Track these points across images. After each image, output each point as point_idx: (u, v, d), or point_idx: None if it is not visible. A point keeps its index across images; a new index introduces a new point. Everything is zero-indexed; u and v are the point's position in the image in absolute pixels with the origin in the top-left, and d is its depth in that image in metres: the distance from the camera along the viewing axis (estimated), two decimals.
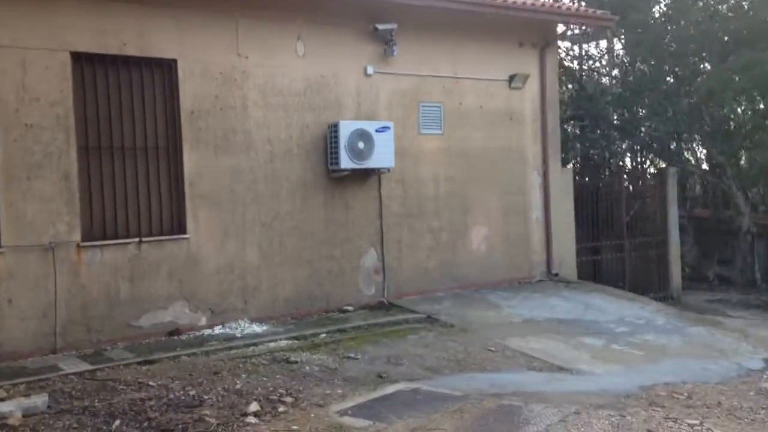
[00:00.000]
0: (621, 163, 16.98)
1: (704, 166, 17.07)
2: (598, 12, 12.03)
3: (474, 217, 10.89)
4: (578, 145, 17.09)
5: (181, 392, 5.94)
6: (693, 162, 17.18)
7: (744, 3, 15.01)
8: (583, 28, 14.33)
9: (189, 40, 8.40)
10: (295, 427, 5.09)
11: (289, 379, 6.43)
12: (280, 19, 9.05)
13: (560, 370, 7.29)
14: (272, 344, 7.70)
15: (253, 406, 5.51)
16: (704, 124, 15.29)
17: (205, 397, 5.81)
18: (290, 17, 9.11)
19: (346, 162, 9.16)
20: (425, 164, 10.37)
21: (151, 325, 8.07)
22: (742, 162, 15.78)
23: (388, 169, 9.69)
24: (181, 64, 8.37)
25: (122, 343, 7.79)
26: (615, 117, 16.56)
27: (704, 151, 16.74)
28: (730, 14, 15.04)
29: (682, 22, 15.01)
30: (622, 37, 16.51)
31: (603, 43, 17.68)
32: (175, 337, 8.03)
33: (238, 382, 6.26)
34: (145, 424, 5.20)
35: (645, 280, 13.40)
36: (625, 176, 14.93)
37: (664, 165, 15.97)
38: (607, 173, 15.47)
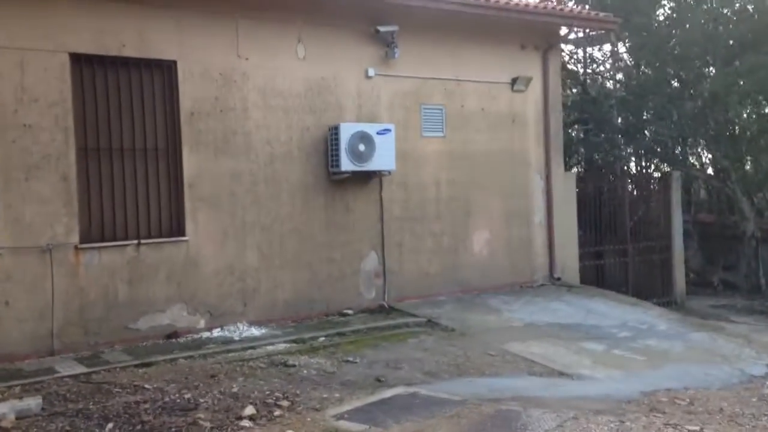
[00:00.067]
0: (625, 168, 16.90)
1: (709, 170, 16.98)
2: (601, 15, 11.97)
3: (476, 221, 10.83)
4: (582, 149, 17.03)
5: (177, 395, 5.90)
6: (698, 166, 17.08)
7: (749, 6, 14.92)
8: (587, 31, 14.28)
9: (189, 41, 8.37)
10: (290, 431, 5.04)
11: (286, 382, 6.38)
12: (281, 21, 9.01)
13: (560, 375, 7.21)
14: (270, 347, 7.64)
15: (249, 410, 5.46)
16: (709, 128, 15.19)
17: (201, 400, 5.76)
18: (291, 19, 9.08)
19: (346, 164, 9.11)
20: (427, 167, 10.32)
21: (149, 328, 8.03)
22: (747, 167, 15.67)
23: (389, 172, 9.64)
24: (181, 66, 8.33)
25: (120, 345, 7.75)
26: (619, 121, 16.48)
27: (709, 155, 16.65)
28: (734, 17, 14.95)
29: (687, 26, 14.91)
30: (626, 40, 16.44)
31: (607, 47, 17.60)
32: (173, 340, 7.98)
33: (234, 385, 6.22)
34: (139, 427, 5.16)
35: (648, 285, 13.33)
36: (629, 180, 14.87)
37: (668, 169, 15.88)
38: (611, 177, 15.39)
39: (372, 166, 9.30)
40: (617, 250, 13.33)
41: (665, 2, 15.94)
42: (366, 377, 6.67)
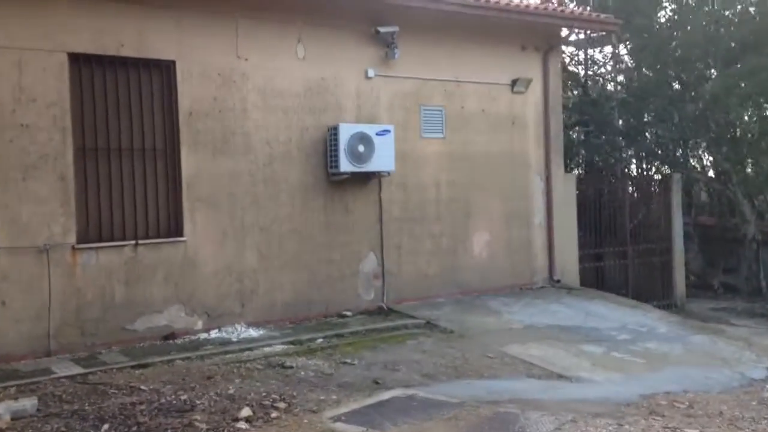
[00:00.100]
0: (625, 170, 16.86)
1: (710, 173, 16.94)
2: (602, 16, 11.92)
3: (475, 222, 10.79)
4: (582, 151, 16.98)
5: (173, 397, 5.87)
6: (698, 169, 17.03)
7: (750, 8, 14.90)
8: (588, 32, 14.24)
9: (188, 41, 8.34)
10: None
11: (284, 384, 6.35)
12: (281, 21, 8.99)
13: (559, 378, 7.18)
14: (268, 349, 7.61)
15: (245, 412, 5.43)
16: (710, 130, 15.15)
17: (197, 401, 5.73)
18: (290, 19, 9.05)
19: (345, 165, 9.08)
20: (426, 168, 10.29)
21: (146, 329, 7.99)
22: (748, 169, 15.63)
23: (389, 173, 9.60)
24: (180, 66, 8.31)
25: (117, 346, 7.71)
26: (620, 123, 16.45)
27: (710, 158, 16.61)
28: (735, 19, 14.92)
29: (688, 27, 14.88)
30: (627, 42, 16.40)
31: (608, 49, 17.57)
32: (170, 341, 7.95)
33: (231, 387, 6.19)
34: (134, 428, 5.13)
35: (648, 288, 13.28)
36: (629, 182, 14.82)
37: (669, 171, 15.84)
38: (611, 179, 15.35)
39: (371, 167, 9.27)
40: (617, 252, 13.29)
41: (666, 4, 15.93)
42: (364, 379, 6.64)
